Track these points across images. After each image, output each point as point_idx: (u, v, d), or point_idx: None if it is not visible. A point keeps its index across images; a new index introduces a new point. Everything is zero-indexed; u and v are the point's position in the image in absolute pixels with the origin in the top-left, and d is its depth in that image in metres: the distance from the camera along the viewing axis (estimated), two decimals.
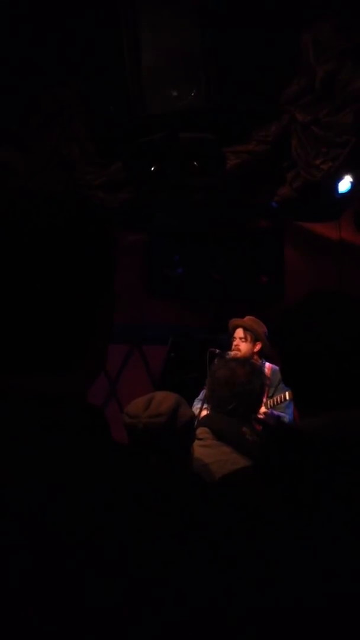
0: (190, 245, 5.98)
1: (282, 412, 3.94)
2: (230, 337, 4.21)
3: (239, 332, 4.17)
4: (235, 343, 4.15)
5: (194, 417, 2.02)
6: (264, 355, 4.23)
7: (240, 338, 4.15)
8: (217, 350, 4.06)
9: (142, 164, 4.75)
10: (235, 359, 3.56)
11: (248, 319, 4.25)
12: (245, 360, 2.91)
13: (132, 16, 4.29)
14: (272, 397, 3.99)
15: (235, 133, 4.71)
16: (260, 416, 3.69)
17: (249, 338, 4.16)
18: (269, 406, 3.90)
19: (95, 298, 0.80)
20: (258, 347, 4.17)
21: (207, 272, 6.02)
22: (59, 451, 0.71)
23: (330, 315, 1.09)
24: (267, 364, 4.18)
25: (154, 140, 4.56)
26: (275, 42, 4.47)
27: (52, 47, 4.61)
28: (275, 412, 3.92)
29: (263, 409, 3.79)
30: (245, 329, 4.18)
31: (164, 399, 1.93)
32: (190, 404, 3.02)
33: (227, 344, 4.23)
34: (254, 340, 4.17)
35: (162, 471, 0.77)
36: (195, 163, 4.60)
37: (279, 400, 3.90)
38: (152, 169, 4.69)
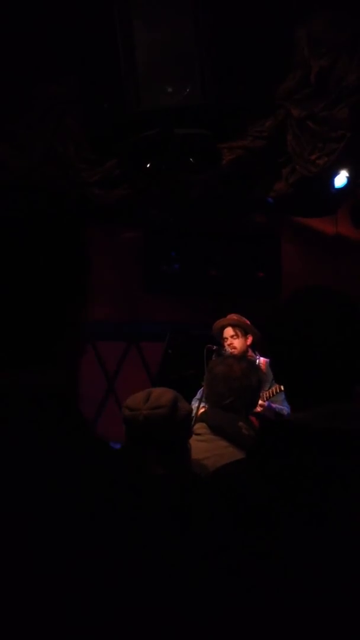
0: (187, 241, 5.98)
1: (280, 405, 3.96)
2: (220, 339, 4.22)
3: (229, 331, 4.19)
4: (228, 343, 4.15)
5: (191, 411, 2.04)
6: (256, 346, 4.26)
7: (232, 336, 4.17)
8: (215, 347, 4.07)
9: (138, 160, 4.75)
10: (232, 356, 3.58)
11: (231, 316, 4.27)
12: (241, 357, 2.94)
13: (126, 12, 4.28)
14: (268, 390, 4.01)
15: (230, 129, 4.71)
16: (259, 409, 3.71)
17: (239, 334, 4.18)
18: (265, 398, 3.92)
19: (63, 296, 0.78)
20: (250, 339, 4.20)
21: (203, 268, 6.03)
22: (16, 445, 0.70)
23: (316, 310, 1.11)
24: (262, 359, 4.20)
25: (149, 137, 4.56)
26: (270, 37, 4.47)
27: (46, 44, 4.60)
28: (274, 405, 3.94)
29: (261, 402, 3.82)
30: (233, 326, 4.19)
31: (163, 393, 1.96)
32: (188, 401, 3.05)
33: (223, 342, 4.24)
34: (245, 334, 4.19)
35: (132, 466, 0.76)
36: (190, 159, 4.60)
37: (274, 391, 3.92)
38: (148, 165, 4.69)
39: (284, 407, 3.94)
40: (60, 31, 4.56)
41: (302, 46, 4.44)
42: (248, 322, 4.25)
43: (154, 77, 4.36)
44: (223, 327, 4.23)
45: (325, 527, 0.93)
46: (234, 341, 4.15)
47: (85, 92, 4.89)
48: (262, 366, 4.12)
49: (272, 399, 3.96)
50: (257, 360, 4.15)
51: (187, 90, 4.31)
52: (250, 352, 4.18)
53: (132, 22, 4.28)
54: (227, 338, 4.18)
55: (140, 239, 6.13)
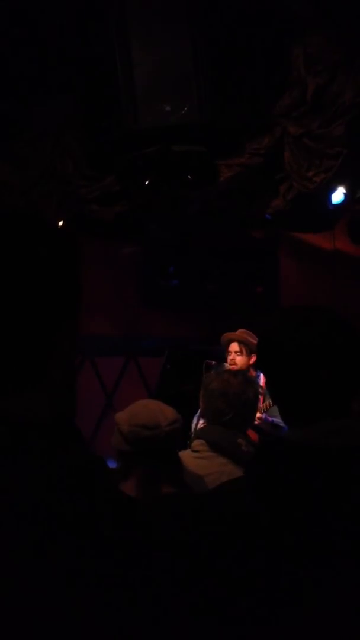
0: (185, 256, 6.00)
1: (278, 417, 3.95)
2: (225, 352, 4.21)
3: (234, 346, 4.17)
4: (230, 357, 4.14)
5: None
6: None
7: (236, 352, 4.15)
8: (213, 362, 4.07)
9: (136, 177, 4.78)
10: (227, 370, 3.58)
11: (241, 332, 4.25)
12: (237, 371, 2.93)
13: (124, 32, 4.33)
14: (265, 402, 4.01)
15: (228, 146, 4.75)
16: (256, 422, 3.70)
17: (244, 351, 4.16)
18: (262, 411, 3.91)
19: (51, 322, 0.77)
20: (253, 359, 4.18)
21: (202, 283, 6.04)
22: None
23: (309, 328, 1.11)
24: (263, 375, 4.20)
25: (148, 154, 4.60)
26: (267, 55, 4.52)
27: (46, 62, 4.65)
28: (270, 418, 3.93)
29: (258, 414, 3.81)
30: (240, 342, 4.18)
31: (158, 405, 1.97)
32: (186, 416, 3.03)
33: (223, 356, 4.24)
34: (249, 353, 4.17)
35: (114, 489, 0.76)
36: (188, 176, 4.64)
37: (270, 403, 3.92)
38: (146, 182, 4.72)
39: (280, 421, 3.93)
40: (59, 49, 4.61)
41: (299, 64, 4.49)
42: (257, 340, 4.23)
43: (152, 95, 4.40)
44: (229, 341, 4.22)
45: (325, 546, 0.93)
46: (237, 357, 4.13)
47: (84, 110, 4.93)
48: (264, 383, 4.13)
49: (269, 410, 3.95)
50: (259, 378, 4.15)
51: (185, 108, 4.35)
52: (251, 370, 4.17)
53: (130, 41, 4.33)
54: (231, 352, 4.16)
55: (138, 255, 6.15)
